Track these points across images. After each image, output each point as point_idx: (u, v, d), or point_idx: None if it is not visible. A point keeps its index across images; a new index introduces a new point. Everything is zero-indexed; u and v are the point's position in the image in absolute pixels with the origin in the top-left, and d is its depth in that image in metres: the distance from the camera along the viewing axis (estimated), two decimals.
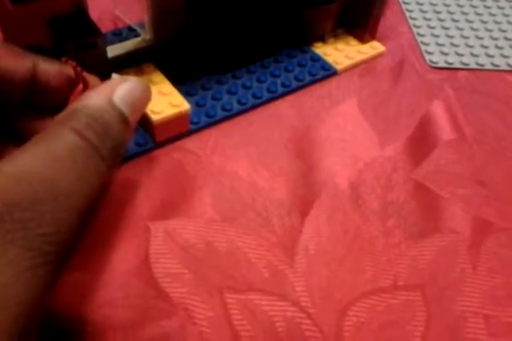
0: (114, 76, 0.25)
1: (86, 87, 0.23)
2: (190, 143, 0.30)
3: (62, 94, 0.24)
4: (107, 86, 0.21)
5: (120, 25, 0.38)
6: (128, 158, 0.29)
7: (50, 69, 0.23)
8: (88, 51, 0.27)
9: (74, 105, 0.20)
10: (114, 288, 0.23)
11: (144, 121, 0.29)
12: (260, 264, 0.25)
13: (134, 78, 0.22)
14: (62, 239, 0.17)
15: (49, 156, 0.17)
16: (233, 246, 0.25)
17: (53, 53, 0.27)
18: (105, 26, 0.37)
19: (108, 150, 0.19)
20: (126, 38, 0.34)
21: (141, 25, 0.33)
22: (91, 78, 0.24)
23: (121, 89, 0.21)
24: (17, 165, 0.17)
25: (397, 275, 0.25)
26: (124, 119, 0.20)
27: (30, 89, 0.22)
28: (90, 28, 0.28)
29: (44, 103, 0.24)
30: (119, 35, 0.36)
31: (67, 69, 0.23)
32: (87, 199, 0.18)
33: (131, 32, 0.36)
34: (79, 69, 0.22)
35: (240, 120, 0.32)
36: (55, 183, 0.17)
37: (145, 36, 0.33)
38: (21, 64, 0.22)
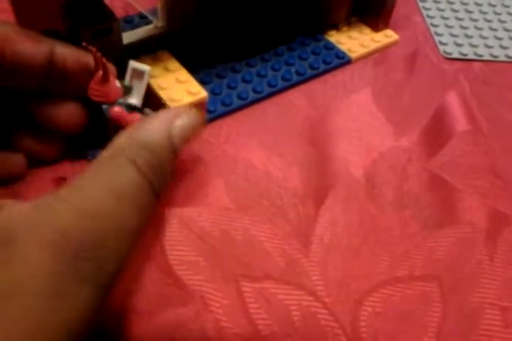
0: (132, 63, 0.24)
1: (106, 73, 0.22)
2: (204, 131, 0.30)
3: (79, 81, 0.23)
4: (166, 116, 0.21)
5: (131, 12, 0.37)
6: None
7: (68, 53, 0.22)
8: (104, 37, 0.27)
9: (134, 133, 0.20)
10: (129, 274, 0.23)
11: (162, 110, 0.29)
12: (275, 253, 0.25)
13: (191, 110, 0.23)
14: (121, 273, 0.17)
15: (113, 192, 0.17)
16: (248, 234, 0.25)
17: (68, 39, 0.27)
18: (116, 13, 0.36)
19: (161, 186, 0.20)
20: (138, 26, 0.34)
21: (153, 12, 0.33)
22: (108, 65, 0.24)
23: (179, 123, 0.21)
24: (85, 199, 0.17)
25: (413, 265, 0.25)
26: (176, 155, 0.21)
27: (48, 74, 0.22)
28: (105, 13, 0.27)
29: (61, 89, 0.23)
30: (130, 23, 0.36)
31: (86, 55, 0.23)
32: (140, 232, 0.18)
33: (143, 19, 0.36)
34: (99, 54, 0.22)
35: (254, 108, 0.32)
36: (121, 222, 0.17)
37: (157, 23, 0.32)
38: (38, 48, 0.22)
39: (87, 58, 0.23)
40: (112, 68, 0.24)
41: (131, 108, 0.25)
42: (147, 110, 0.29)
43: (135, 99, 0.25)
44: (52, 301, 0.15)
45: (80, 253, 0.15)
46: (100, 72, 0.22)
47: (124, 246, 0.17)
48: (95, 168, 0.18)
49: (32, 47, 0.21)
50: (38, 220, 0.16)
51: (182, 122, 0.22)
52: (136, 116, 0.25)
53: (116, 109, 0.24)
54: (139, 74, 0.24)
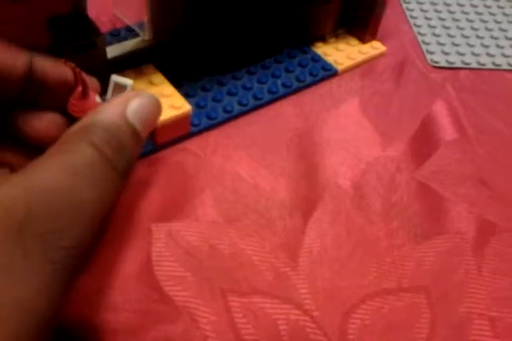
0: (114, 77, 0.24)
1: (86, 89, 0.22)
2: (191, 143, 0.30)
3: (59, 93, 0.23)
4: (120, 100, 0.21)
5: (118, 26, 0.37)
6: None
7: (47, 65, 0.22)
8: (87, 52, 0.27)
9: (88, 118, 0.20)
10: (115, 291, 0.23)
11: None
12: (263, 267, 0.25)
13: (146, 93, 0.22)
14: (81, 252, 0.17)
15: (68, 169, 0.17)
16: (236, 248, 0.25)
17: (52, 53, 0.27)
18: (103, 27, 0.36)
19: (122, 164, 0.19)
20: (125, 39, 0.34)
21: (140, 26, 0.33)
22: (89, 80, 0.24)
23: (134, 104, 0.21)
24: (35, 177, 0.16)
25: (401, 277, 0.25)
26: (136, 135, 0.21)
27: (27, 85, 0.22)
28: (89, 27, 0.27)
29: (41, 101, 0.23)
30: (117, 36, 0.36)
31: (65, 68, 0.23)
32: (102, 211, 0.18)
33: (130, 32, 0.36)
34: (78, 70, 0.22)
35: (241, 120, 0.32)
36: (74, 196, 0.17)
37: (144, 37, 0.32)
38: (17, 58, 0.21)
39: (66, 70, 0.23)
40: (93, 83, 0.24)
41: None
42: None
43: None
44: (2, 278, 0.14)
45: (24, 228, 0.15)
46: (80, 88, 0.22)
47: (80, 220, 0.17)
48: (50, 152, 0.18)
49: (9, 57, 0.21)
50: None
51: (137, 103, 0.21)
52: None
53: None
54: (121, 88, 0.24)
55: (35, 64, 0.22)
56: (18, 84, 0.22)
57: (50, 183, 0.16)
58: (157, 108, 0.23)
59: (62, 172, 0.17)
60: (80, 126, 0.19)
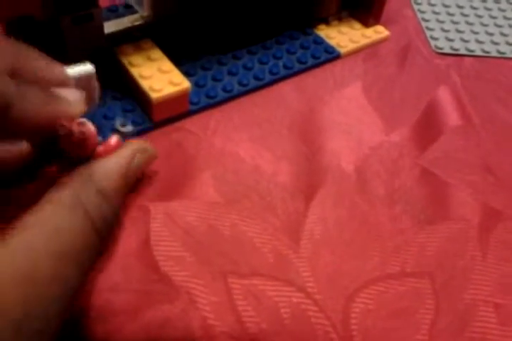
0: (72, 71, 0.21)
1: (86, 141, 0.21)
2: (191, 123, 0.29)
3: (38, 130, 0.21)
4: (125, 155, 0.22)
5: (116, 2, 0.36)
6: (125, 138, 0.27)
7: (28, 111, 0.19)
8: (84, 24, 0.26)
9: (91, 174, 0.20)
10: (113, 271, 0.22)
11: (143, 99, 0.28)
12: (265, 249, 0.24)
13: (148, 146, 0.23)
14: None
15: (58, 250, 0.17)
16: (237, 229, 0.24)
17: (47, 26, 0.26)
18: (101, 2, 0.35)
19: (107, 231, 0.20)
20: (122, 15, 0.33)
21: (138, 2, 0.32)
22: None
23: (137, 161, 0.22)
24: (28, 257, 0.17)
25: (404, 262, 0.25)
26: (127, 193, 0.22)
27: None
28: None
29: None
30: (115, 12, 0.35)
31: (50, 108, 0.20)
32: (85, 279, 0.19)
33: (128, 9, 0.35)
34: (75, 131, 0.20)
35: (242, 101, 0.31)
36: (63, 284, 0.17)
37: (142, 13, 0.31)
38: None
39: (49, 113, 0.20)
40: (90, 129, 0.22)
41: None
42: (119, 125, 0.27)
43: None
44: None
45: (22, 326, 0.16)
46: (79, 137, 0.21)
47: (65, 306, 0.17)
48: (45, 211, 0.18)
49: None
50: None
51: (139, 160, 0.22)
52: (114, 139, 0.23)
53: (101, 149, 0.22)
54: (84, 79, 0.22)
55: (12, 111, 0.19)
56: None
57: (42, 271, 0.17)
58: (153, 159, 0.24)
59: (54, 257, 0.17)
60: (80, 183, 0.20)
